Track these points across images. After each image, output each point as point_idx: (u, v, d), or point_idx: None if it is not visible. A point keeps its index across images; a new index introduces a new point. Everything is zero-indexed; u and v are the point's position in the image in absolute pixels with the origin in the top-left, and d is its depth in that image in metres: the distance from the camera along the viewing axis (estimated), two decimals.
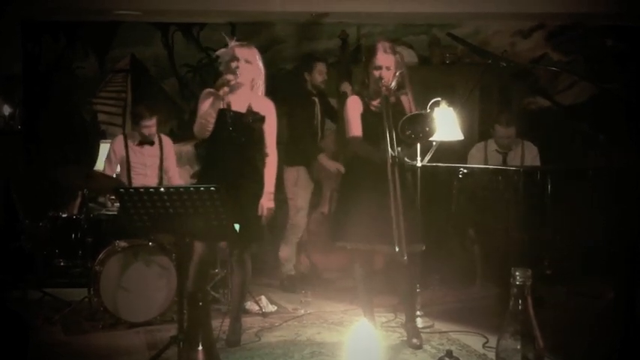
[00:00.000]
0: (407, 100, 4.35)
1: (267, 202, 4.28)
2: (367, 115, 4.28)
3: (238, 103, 4.23)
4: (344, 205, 4.37)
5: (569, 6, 6.83)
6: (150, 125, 5.55)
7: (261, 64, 4.31)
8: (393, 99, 4.23)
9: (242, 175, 4.21)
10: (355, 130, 4.30)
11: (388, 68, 4.20)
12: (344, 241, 4.32)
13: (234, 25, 7.30)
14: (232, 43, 4.27)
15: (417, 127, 4.03)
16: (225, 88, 4.08)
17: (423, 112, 4.15)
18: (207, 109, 4.16)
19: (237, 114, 4.22)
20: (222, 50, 4.33)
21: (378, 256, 4.48)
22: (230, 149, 4.23)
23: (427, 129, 4.03)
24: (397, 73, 4.22)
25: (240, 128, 4.22)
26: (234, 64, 4.16)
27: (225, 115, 4.17)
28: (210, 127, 4.16)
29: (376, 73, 4.20)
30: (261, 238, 4.44)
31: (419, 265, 4.41)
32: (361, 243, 4.26)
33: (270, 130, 4.34)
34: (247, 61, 4.20)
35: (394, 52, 4.24)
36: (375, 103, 4.23)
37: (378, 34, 7.30)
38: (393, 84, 4.22)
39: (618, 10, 6.90)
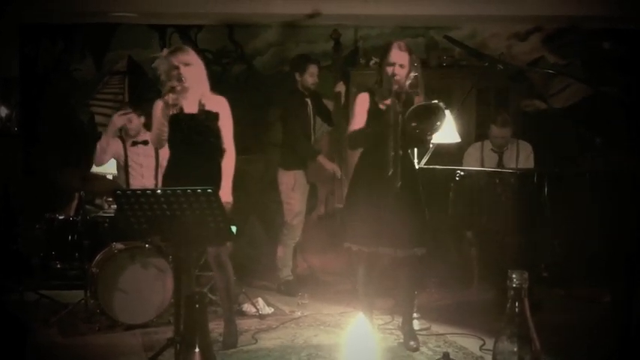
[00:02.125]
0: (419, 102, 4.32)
1: (224, 197, 4.25)
2: (375, 113, 4.27)
3: (189, 105, 4.26)
4: (351, 207, 4.37)
5: (566, 9, 6.84)
6: (131, 120, 5.51)
7: (200, 62, 4.34)
8: (403, 97, 4.18)
9: (203, 175, 4.18)
10: (356, 125, 4.30)
11: (402, 66, 4.19)
12: (350, 242, 4.33)
13: (231, 27, 7.31)
14: (164, 53, 4.30)
15: (423, 119, 3.99)
16: (172, 95, 4.11)
17: (432, 103, 4.03)
18: (159, 119, 4.21)
19: (190, 116, 4.25)
20: (158, 61, 4.34)
21: (379, 259, 4.48)
22: (188, 151, 4.27)
23: (437, 123, 3.99)
24: (412, 75, 4.20)
25: (195, 129, 4.26)
26: (174, 72, 4.18)
27: (177, 119, 4.21)
28: (165, 135, 4.23)
29: (389, 69, 4.20)
30: (229, 238, 4.37)
31: (419, 268, 4.42)
32: (366, 245, 4.26)
33: (226, 126, 4.36)
34: (186, 64, 4.21)
35: (409, 52, 4.24)
36: (387, 102, 4.19)
37: (375, 36, 7.32)
38: (407, 84, 4.17)
39: (615, 13, 6.91)
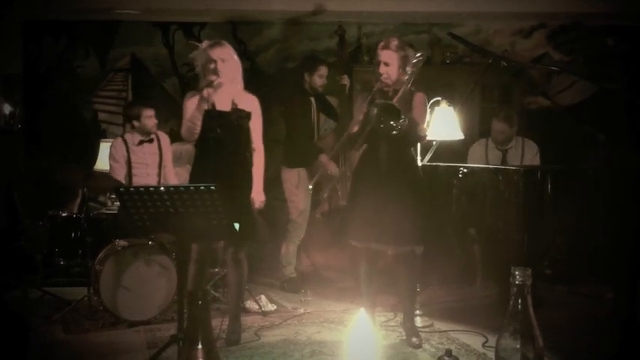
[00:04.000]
0: (421, 99, 4.30)
1: (258, 196, 4.31)
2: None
3: (222, 102, 4.24)
4: (353, 203, 4.38)
5: (570, 5, 6.83)
6: (151, 115, 5.56)
7: (237, 59, 4.32)
8: (390, 93, 4.19)
9: (232, 175, 4.20)
10: (354, 125, 4.31)
11: (387, 64, 4.17)
12: (353, 239, 4.33)
13: (234, 24, 7.31)
14: (204, 45, 4.28)
15: (387, 117, 3.99)
16: (209, 89, 4.10)
17: (389, 103, 4.04)
18: (193, 111, 4.18)
19: (223, 113, 4.24)
20: (196, 53, 4.33)
21: (380, 256, 4.48)
22: (219, 149, 4.24)
23: (392, 122, 3.97)
24: (409, 71, 4.17)
25: (227, 127, 4.24)
26: (211, 66, 4.17)
27: (210, 115, 4.19)
28: (198, 129, 4.19)
29: (377, 68, 4.21)
30: (255, 237, 4.44)
31: (419, 265, 4.42)
32: (369, 242, 4.27)
33: (256, 125, 4.37)
34: (223, 60, 4.20)
35: (397, 49, 4.19)
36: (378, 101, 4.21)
37: (378, 33, 7.30)
38: (403, 80, 4.16)
39: (619, 10, 6.90)
